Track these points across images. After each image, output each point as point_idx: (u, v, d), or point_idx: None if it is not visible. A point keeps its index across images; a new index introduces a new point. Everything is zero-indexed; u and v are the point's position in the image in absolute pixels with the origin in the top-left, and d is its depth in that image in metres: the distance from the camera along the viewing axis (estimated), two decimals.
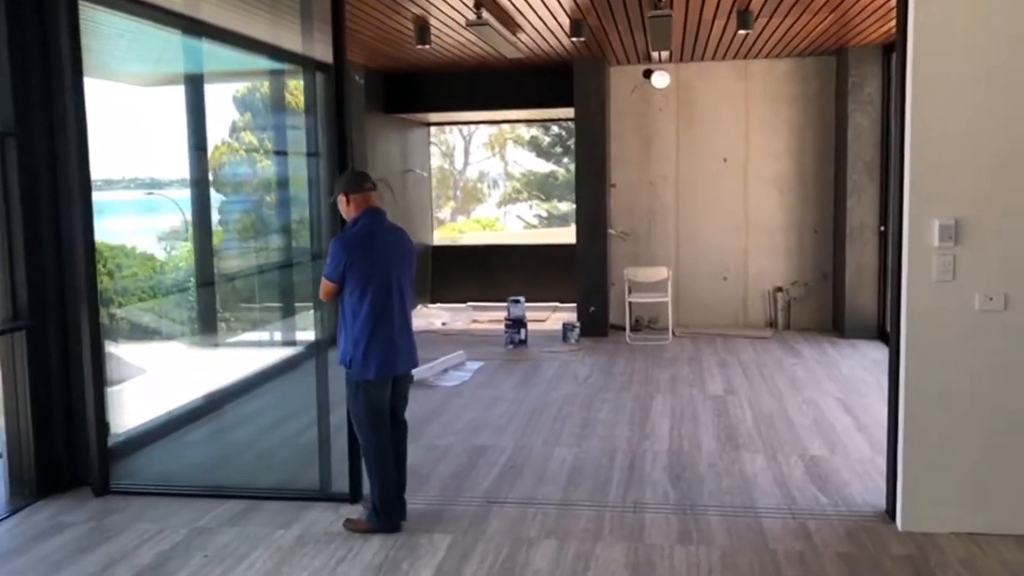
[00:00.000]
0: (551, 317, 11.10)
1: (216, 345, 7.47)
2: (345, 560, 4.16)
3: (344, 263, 4.30)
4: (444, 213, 25.62)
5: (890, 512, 4.56)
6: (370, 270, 4.35)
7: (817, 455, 5.62)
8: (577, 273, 9.98)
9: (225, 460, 5.73)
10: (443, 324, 10.83)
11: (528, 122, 18.55)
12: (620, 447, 5.85)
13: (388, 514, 4.48)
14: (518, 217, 26.14)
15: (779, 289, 10.19)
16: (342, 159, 4.60)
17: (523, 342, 9.36)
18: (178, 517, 4.73)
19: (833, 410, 6.68)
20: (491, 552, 4.22)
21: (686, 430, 6.23)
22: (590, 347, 9.31)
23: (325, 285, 4.41)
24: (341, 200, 4.44)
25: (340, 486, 4.94)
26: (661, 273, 9.63)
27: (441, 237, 21.39)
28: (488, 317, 11.07)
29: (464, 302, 12.25)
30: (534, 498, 4.93)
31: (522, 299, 9.50)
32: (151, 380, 6.81)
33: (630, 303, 9.78)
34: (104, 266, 6.45)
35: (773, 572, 3.99)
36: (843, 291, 9.47)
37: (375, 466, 4.48)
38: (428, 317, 11.16)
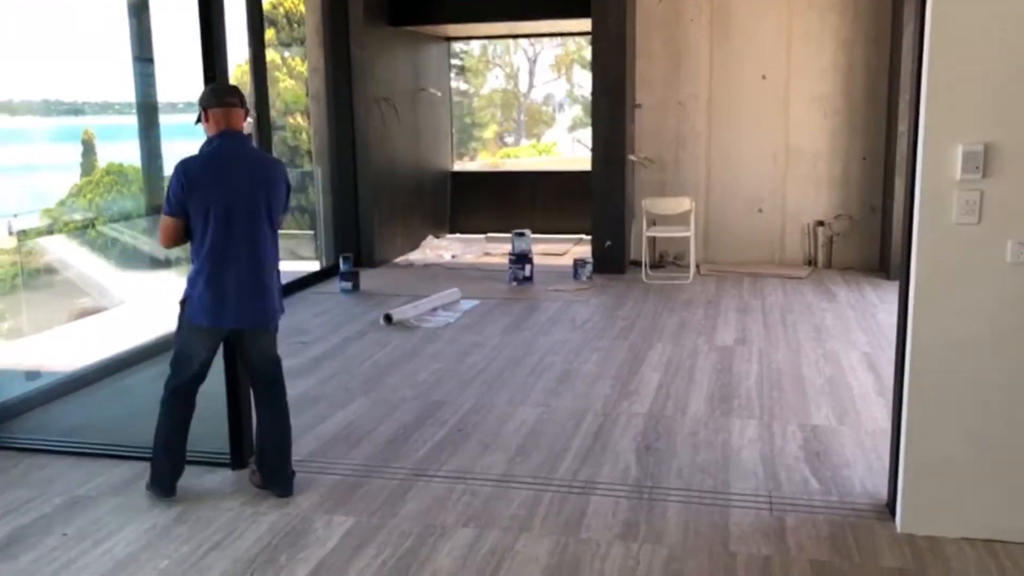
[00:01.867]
0: (571, 251, 10.26)
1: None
2: (219, 547, 3.53)
3: (182, 192, 3.57)
4: (510, 138, 24.71)
5: (890, 506, 3.72)
6: (213, 201, 3.62)
7: (820, 425, 4.75)
8: (591, 204, 9.09)
9: (137, 416, 5.14)
10: (452, 257, 10.09)
11: (551, 36, 17.29)
12: (593, 408, 5.08)
13: (155, 476, 3.95)
14: (578, 142, 24.96)
15: (820, 223, 9.14)
16: (208, 68, 3.80)
17: (528, 279, 8.57)
18: (63, 480, 4.17)
19: (855, 367, 5.77)
20: (391, 543, 3.54)
21: (676, 388, 5.42)
22: (601, 286, 8.48)
23: (163, 222, 3.68)
24: (204, 118, 3.68)
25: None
26: (683, 204, 8.67)
27: (484, 163, 20.51)
28: (503, 250, 10.27)
29: (484, 232, 11.47)
30: (470, 472, 4.22)
31: (527, 232, 8.69)
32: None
33: (649, 237, 8.87)
34: None
35: None
36: (891, 227, 8.38)
37: (160, 414, 3.90)
38: (437, 249, 10.44)
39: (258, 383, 3.99)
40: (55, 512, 3.85)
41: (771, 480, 4.09)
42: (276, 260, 3.89)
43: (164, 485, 3.91)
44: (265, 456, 3.96)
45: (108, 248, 7.27)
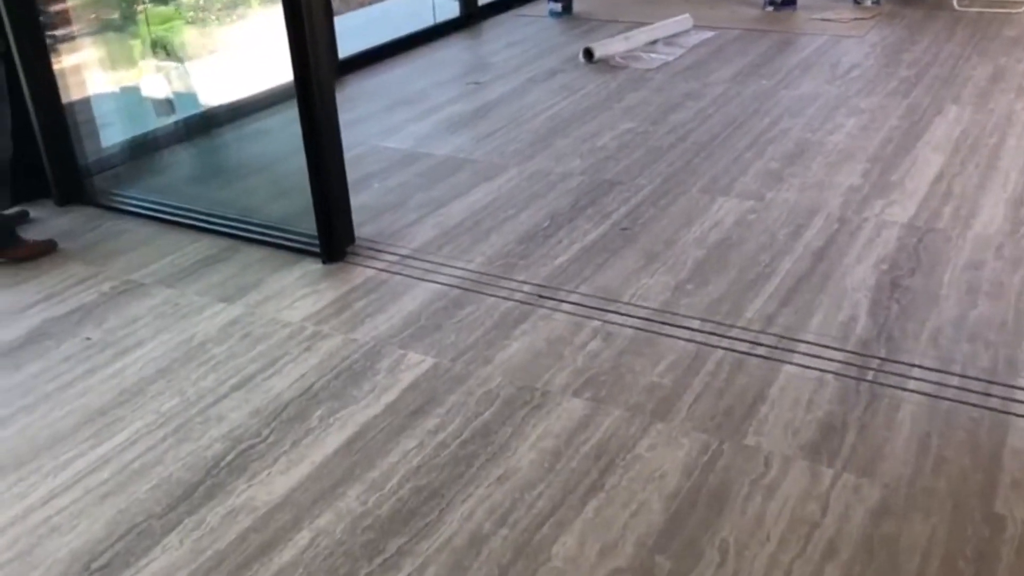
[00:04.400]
0: None
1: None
2: (245, 385, 2.62)
3: None
4: None
5: None
6: None
7: None
8: None
9: (225, 181, 4.28)
10: None
11: None
12: (827, 207, 3.53)
13: None
14: None
15: None
16: None
17: (790, 3, 6.56)
18: (125, 258, 3.42)
19: None
20: (464, 412, 2.45)
21: (964, 184, 3.67)
22: (890, 15, 6.31)
23: None
24: None
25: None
26: None
27: None
28: None
29: None
30: (614, 300, 2.96)
31: None
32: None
33: None
34: None
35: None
36: None
37: None
38: None
39: None
40: (96, 303, 3.13)
41: None
42: None
43: None
44: None
45: None
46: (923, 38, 5.71)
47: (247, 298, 3.11)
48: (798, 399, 2.44)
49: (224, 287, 3.19)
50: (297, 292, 3.13)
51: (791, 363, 2.59)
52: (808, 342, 2.69)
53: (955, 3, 6.33)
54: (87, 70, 4.25)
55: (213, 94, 4.87)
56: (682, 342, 2.72)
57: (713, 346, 2.69)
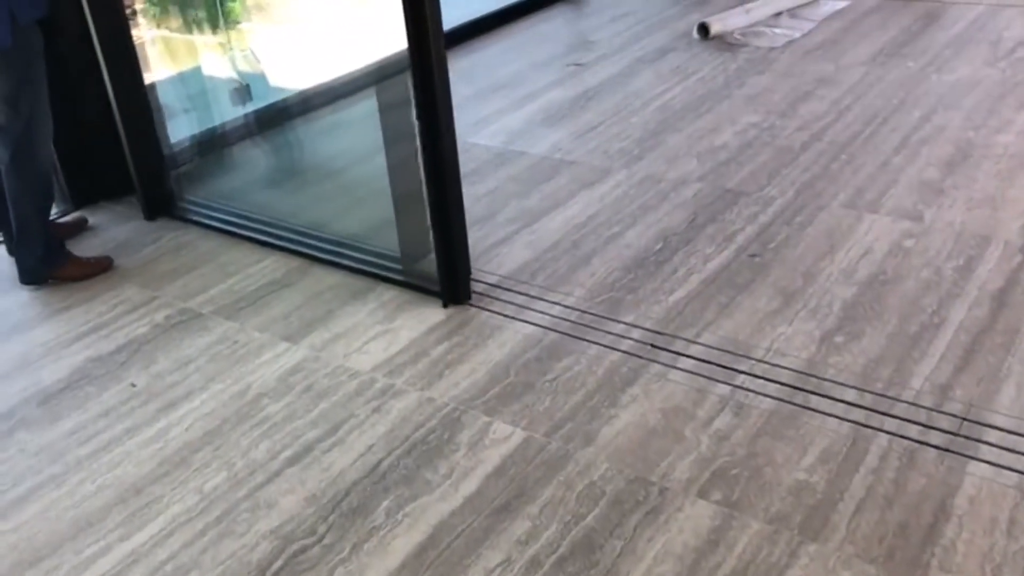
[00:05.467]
0: None
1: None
2: (303, 456, 2.23)
3: None
4: None
5: None
6: None
7: None
8: None
9: (297, 187, 3.83)
10: None
11: None
12: (1003, 233, 2.89)
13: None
14: None
15: None
16: None
17: None
18: (183, 281, 3.05)
19: None
20: (559, 518, 2.00)
21: None
22: None
23: None
24: None
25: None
26: None
27: None
28: None
29: None
30: (745, 355, 2.44)
31: None
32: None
33: None
34: None
35: None
36: None
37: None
38: None
39: None
40: (146, 338, 2.77)
41: None
42: None
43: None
44: None
45: None
46: None
47: (312, 337, 2.70)
48: (995, 518, 1.88)
49: (288, 322, 2.79)
50: (369, 331, 2.71)
51: (980, 459, 2.03)
52: (999, 428, 2.12)
53: None
54: (148, 51, 3.87)
55: (288, 80, 4.46)
56: (834, 421, 2.19)
57: (875, 428, 2.15)
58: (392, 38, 3.78)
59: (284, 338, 2.71)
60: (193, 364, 2.62)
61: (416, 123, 2.56)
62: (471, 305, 2.78)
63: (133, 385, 2.56)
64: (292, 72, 4.45)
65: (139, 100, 3.44)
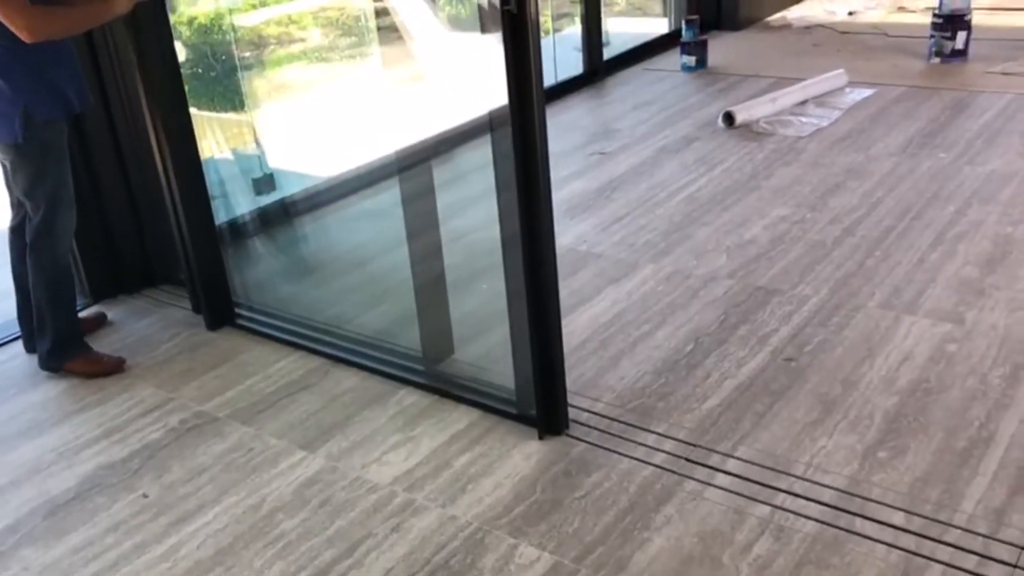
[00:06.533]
0: None
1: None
2: None
3: None
4: None
5: None
6: None
7: None
8: None
9: (319, 280, 3.77)
10: (849, 14, 7.33)
11: None
12: None
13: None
14: None
15: None
16: None
17: (960, 53, 5.74)
18: (199, 382, 2.99)
19: None
20: None
21: None
22: None
23: None
24: None
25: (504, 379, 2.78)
26: None
27: None
28: (928, 3, 7.27)
29: None
30: (782, 470, 2.31)
31: None
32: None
33: None
34: None
35: None
36: None
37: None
38: (831, 2, 7.66)
39: None
40: (160, 443, 2.68)
41: None
42: None
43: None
44: None
45: None
46: None
47: (330, 445, 2.60)
48: None
49: (305, 427, 2.70)
50: (389, 439, 2.61)
51: None
52: None
53: None
54: None
55: (312, 169, 4.46)
56: (882, 547, 2.05)
57: (927, 558, 2.01)
58: (416, 125, 3.78)
59: (301, 446, 2.61)
60: (207, 474, 2.53)
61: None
62: (496, 411, 2.68)
63: (145, 496, 2.46)
64: (318, 161, 4.47)
65: (199, 191, 3.23)
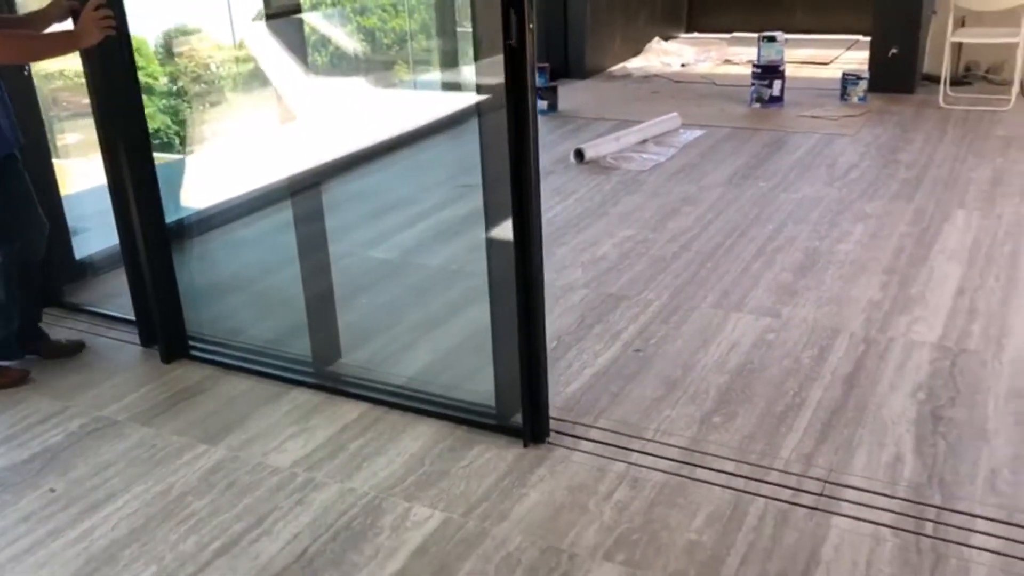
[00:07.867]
0: (840, 59, 7.95)
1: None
2: (245, 548, 2.33)
3: None
4: None
5: None
6: None
7: None
8: None
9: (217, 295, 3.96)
10: (682, 66, 8.12)
11: None
12: (849, 326, 3.33)
13: None
14: None
15: None
16: None
17: (776, 99, 6.53)
18: (95, 392, 3.14)
19: None
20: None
21: (987, 299, 3.51)
22: (880, 111, 6.28)
23: None
24: None
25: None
26: None
27: None
28: (749, 56, 8.15)
29: (729, 32, 9.27)
30: (634, 433, 2.72)
31: (780, 36, 6.55)
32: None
33: (954, 43, 6.42)
34: None
35: None
36: None
37: None
38: (665, 54, 8.46)
39: None
40: (62, 445, 2.82)
41: None
42: None
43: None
44: None
45: None
46: (916, 136, 5.65)
47: (230, 439, 2.82)
48: (856, 561, 2.18)
49: (205, 426, 2.90)
50: (286, 431, 2.85)
51: (840, 514, 2.35)
52: (855, 487, 2.45)
53: (941, 101, 6.32)
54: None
55: (205, 191, 4.65)
56: (718, 489, 2.47)
57: (752, 494, 2.44)
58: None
59: (203, 440, 2.81)
60: (112, 468, 2.69)
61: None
62: (385, 404, 2.97)
63: (52, 490, 2.60)
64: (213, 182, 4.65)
65: (160, 231, 3.27)
